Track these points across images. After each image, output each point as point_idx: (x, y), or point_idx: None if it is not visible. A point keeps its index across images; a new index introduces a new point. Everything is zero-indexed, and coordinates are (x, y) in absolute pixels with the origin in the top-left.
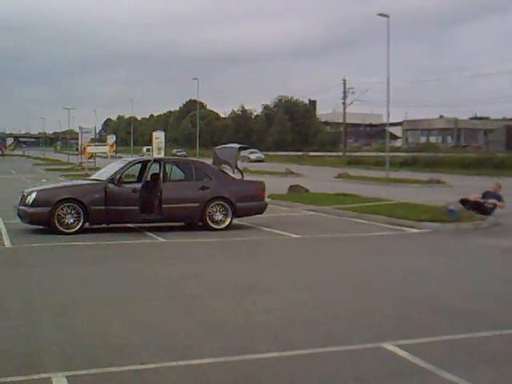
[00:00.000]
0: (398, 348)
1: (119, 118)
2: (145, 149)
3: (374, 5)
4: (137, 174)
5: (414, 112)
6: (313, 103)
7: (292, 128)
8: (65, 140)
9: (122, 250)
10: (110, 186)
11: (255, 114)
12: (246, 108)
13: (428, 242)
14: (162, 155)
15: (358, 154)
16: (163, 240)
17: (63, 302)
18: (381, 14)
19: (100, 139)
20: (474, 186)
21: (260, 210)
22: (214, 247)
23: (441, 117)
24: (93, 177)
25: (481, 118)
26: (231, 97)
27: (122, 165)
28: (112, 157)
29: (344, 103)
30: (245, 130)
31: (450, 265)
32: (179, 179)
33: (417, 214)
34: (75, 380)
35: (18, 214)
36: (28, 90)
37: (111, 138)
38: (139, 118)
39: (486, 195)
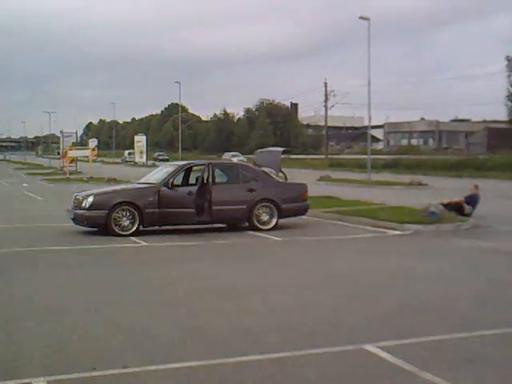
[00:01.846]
0: (379, 349)
1: (101, 121)
2: (127, 152)
3: (355, 8)
4: (182, 178)
5: (395, 115)
6: (294, 106)
7: (274, 131)
8: (46, 144)
9: (104, 254)
10: (164, 189)
11: (237, 117)
12: (228, 111)
13: (410, 244)
14: (143, 159)
15: (339, 156)
16: (146, 244)
17: (45, 306)
18: (362, 18)
19: (82, 143)
20: (455, 188)
21: (303, 210)
22: (196, 251)
23: (422, 119)
24: (141, 181)
25: (462, 120)
26: (213, 100)
27: (172, 169)
28: (94, 161)
29: (325, 106)
30: (227, 133)
31: (431, 266)
32: (227, 182)
33: (398, 215)
34: None
35: (74, 218)
36: (8, 94)
37: (93, 142)
38: (121, 122)
39: (468, 198)
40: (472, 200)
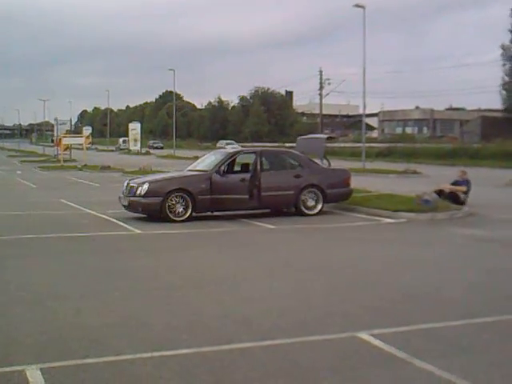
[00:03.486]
0: (372, 337)
1: (95, 109)
2: (121, 140)
3: None
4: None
5: (390, 103)
6: (289, 94)
7: (268, 119)
8: (40, 132)
9: (98, 241)
10: (215, 176)
11: (232, 105)
12: (223, 99)
13: (403, 232)
14: (138, 147)
15: (334, 144)
16: (139, 232)
17: (38, 293)
18: (357, 5)
19: (76, 131)
20: (449, 176)
21: (346, 195)
22: (190, 238)
23: (417, 108)
24: (189, 168)
25: (456, 109)
26: (208, 88)
27: (221, 156)
28: (88, 148)
29: (320, 94)
30: (221, 121)
31: (425, 254)
32: (275, 169)
33: (392, 204)
34: (49, 372)
35: (129, 205)
36: (2, 81)
37: (87, 130)
38: (115, 110)
39: (456, 183)
40: (464, 185)
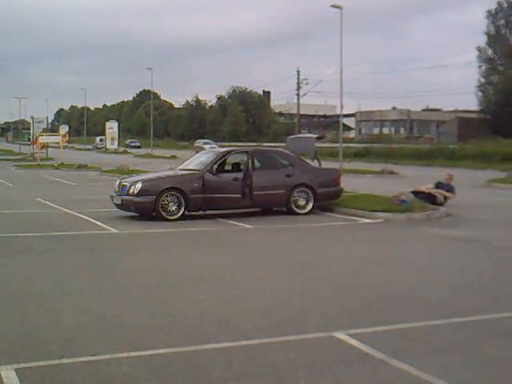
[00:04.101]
0: (349, 337)
1: (72, 107)
2: (98, 139)
3: None
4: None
5: (367, 103)
6: (267, 94)
7: (246, 119)
8: (17, 130)
9: (75, 241)
10: (208, 175)
11: (209, 104)
12: (201, 98)
13: (380, 232)
14: (115, 145)
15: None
16: (116, 231)
17: (13, 293)
18: (334, 6)
19: (52, 129)
20: (426, 177)
21: (337, 194)
22: (167, 238)
23: (393, 108)
24: (181, 167)
25: (433, 110)
26: (186, 87)
27: (213, 156)
28: (65, 147)
29: (298, 94)
30: (199, 120)
31: (402, 254)
32: (267, 168)
33: (369, 204)
34: (24, 372)
35: (121, 203)
36: None
37: (64, 128)
38: (92, 108)
39: (438, 186)
40: (445, 189)
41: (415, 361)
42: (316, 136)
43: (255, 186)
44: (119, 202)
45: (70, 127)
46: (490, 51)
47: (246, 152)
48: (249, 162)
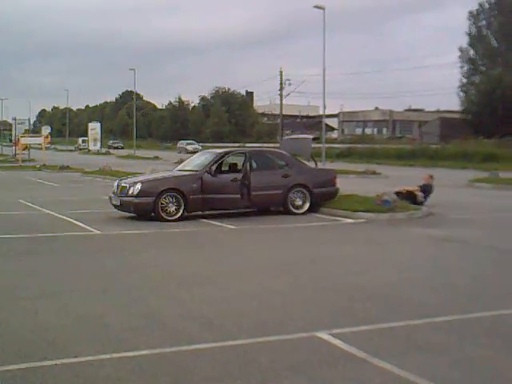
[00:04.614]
0: (331, 337)
1: (54, 108)
2: (80, 140)
3: None
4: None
5: (350, 104)
6: (250, 95)
7: (229, 119)
8: None
9: (57, 242)
10: (206, 176)
11: (192, 105)
12: (183, 99)
13: (363, 232)
14: (98, 146)
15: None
16: (99, 232)
17: None
18: (317, 7)
19: (35, 130)
20: (408, 177)
21: (333, 194)
22: (150, 239)
23: (376, 109)
24: (177, 168)
25: (415, 110)
26: (168, 88)
27: (211, 156)
28: (47, 148)
29: (281, 95)
30: (182, 121)
31: (384, 254)
32: (264, 168)
33: (352, 204)
34: (6, 375)
35: (120, 204)
36: None
37: (46, 130)
38: (75, 109)
39: (422, 187)
40: (426, 189)
41: (398, 360)
42: (312, 137)
43: (253, 187)
44: (118, 203)
45: (52, 128)
46: (471, 52)
47: (244, 153)
48: (247, 163)
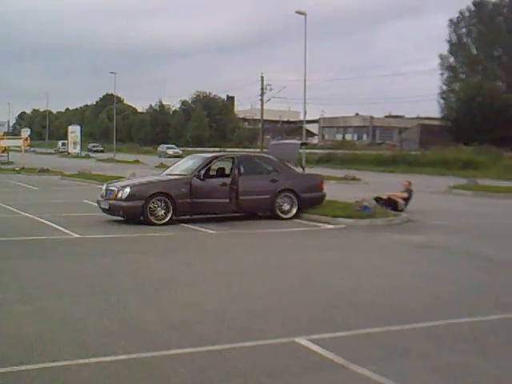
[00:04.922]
0: (310, 342)
1: (34, 111)
2: (60, 143)
3: (294, 3)
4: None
5: (330, 109)
6: (231, 99)
7: (210, 124)
8: None
9: (35, 246)
10: (195, 180)
11: (173, 109)
12: (164, 103)
13: (342, 238)
14: (77, 150)
15: (266, 150)
16: (78, 236)
17: None
18: (298, 12)
19: (14, 133)
20: (387, 183)
21: (320, 200)
22: (129, 243)
23: (356, 115)
24: (165, 173)
25: (396, 117)
26: (149, 92)
27: (199, 161)
28: (26, 151)
29: (262, 100)
30: (162, 125)
31: (363, 260)
32: (252, 173)
33: (331, 210)
34: None
35: (108, 208)
36: None
37: (25, 132)
38: (55, 112)
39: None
40: (410, 195)
41: (376, 366)
42: (300, 142)
43: (241, 191)
44: (107, 207)
45: (31, 131)
46: (451, 59)
47: (232, 157)
48: (236, 168)
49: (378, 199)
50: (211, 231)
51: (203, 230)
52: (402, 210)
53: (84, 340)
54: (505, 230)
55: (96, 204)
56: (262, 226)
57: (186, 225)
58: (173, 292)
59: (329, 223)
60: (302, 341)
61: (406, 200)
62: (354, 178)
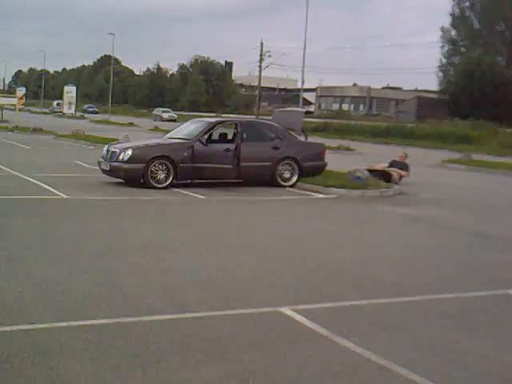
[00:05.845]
0: (295, 313)
1: (30, 70)
2: (55, 103)
3: None
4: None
5: (329, 79)
6: (229, 65)
7: (207, 89)
8: None
9: (22, 205)
10: (198, 144)
11: (171, 72)
12: (162, 66)
13: (333, 208)
14: (72, 110)
15: (270, 117)
16: (66, 196)
17: None
18: None
19: (9, 91)
20: (382, 154)
21: (321, 169)
22: (118, 206)
23: (354, 85)
24: (167, 136)
25: (393, 88)
26: (148, 54)
27: (202, 125)
28: (21, 110)
29: (260, 66)
30: (159, 88)
31: (352, 231)
32: (255, 140)
33: (323, 179)
34: None
35: (110, 170)
36: None
37: (21, 91)
38: (51, 72)
39: (392, 164)
40: (399, 167)
41: (360, 339)
42: (305, 110)
43: (243, 158)
44: (108, 169)
45: (27, 90)
46: (453, 32)
47: (236, 123)
48: (239, 134)
49: (372, 171)
50: (201, 196)
51: (193, 194)
52: (396, 183)
53: (65, 303)
54: (497, 205)
55: (87, 165)
56: (251, 193)
57: (175, 189)
58: (159, 257)
59: (321, 192)
60: (287, 311)
61: (399, 173)
62: (348, 148)
